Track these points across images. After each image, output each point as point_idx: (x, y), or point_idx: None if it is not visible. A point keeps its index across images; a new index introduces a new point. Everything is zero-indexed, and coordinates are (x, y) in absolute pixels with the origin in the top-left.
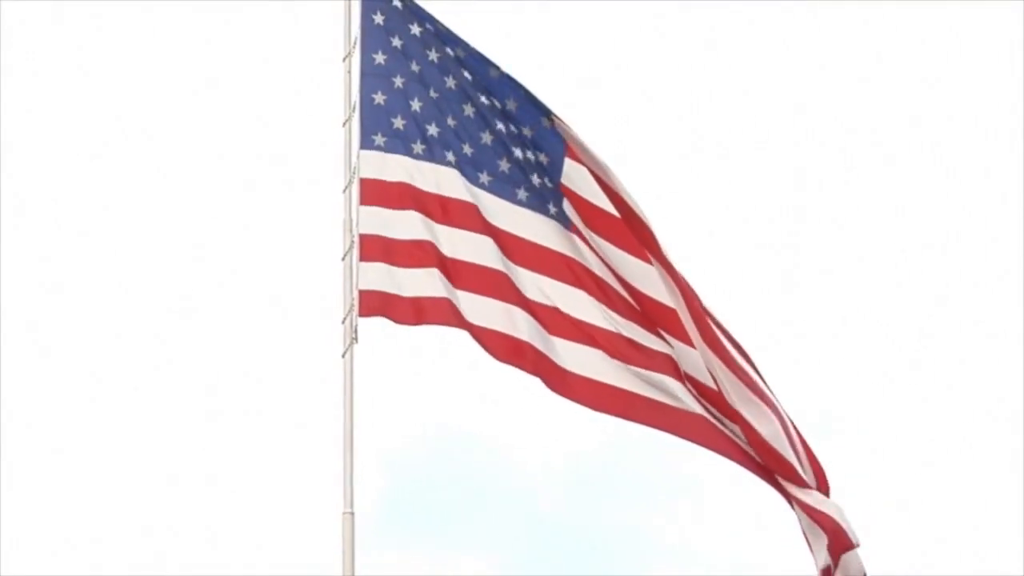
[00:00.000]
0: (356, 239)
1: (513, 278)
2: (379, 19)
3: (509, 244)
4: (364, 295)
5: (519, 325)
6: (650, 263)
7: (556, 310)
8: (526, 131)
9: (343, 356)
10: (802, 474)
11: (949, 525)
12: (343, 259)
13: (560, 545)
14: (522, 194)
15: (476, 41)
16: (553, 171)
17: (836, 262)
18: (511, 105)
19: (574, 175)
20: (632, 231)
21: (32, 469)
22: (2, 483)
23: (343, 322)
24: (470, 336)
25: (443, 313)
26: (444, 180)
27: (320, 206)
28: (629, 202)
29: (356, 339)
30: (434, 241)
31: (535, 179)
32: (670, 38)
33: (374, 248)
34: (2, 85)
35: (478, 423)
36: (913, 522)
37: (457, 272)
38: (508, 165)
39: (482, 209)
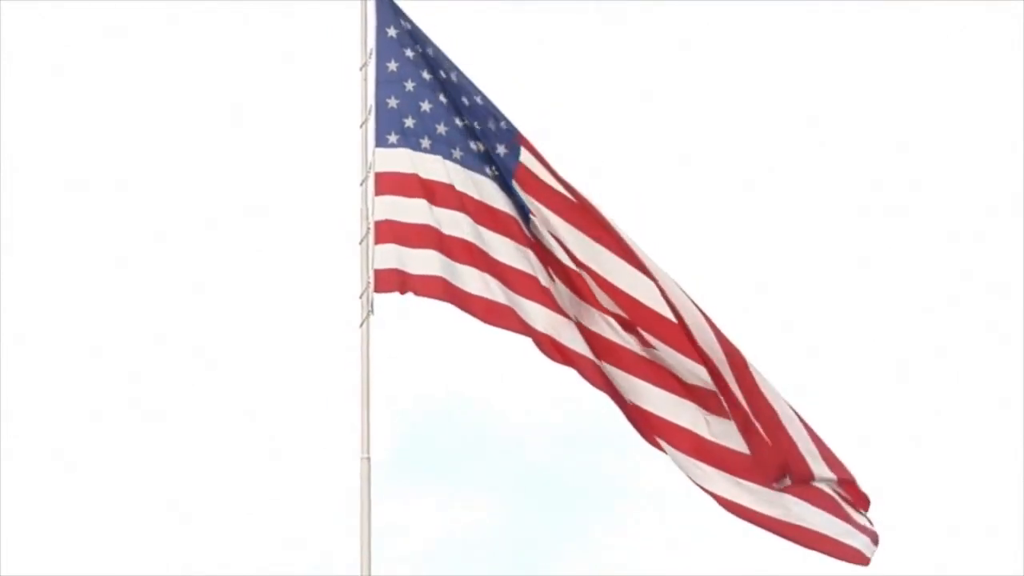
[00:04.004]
0: (371, 226)
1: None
2: (392, 33)
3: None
4: (379, 273)
5: (493, 289)
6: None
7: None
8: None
9: (360, 326)
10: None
11: (949, 525)
12: (360, 243)
13: (544, 488)
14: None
15: (474, 41)
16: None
17: (834, 262)
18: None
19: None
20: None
21: (40, 458)
22: (2, 483)
23: (360, 297)
24: (467, 310)
25: (440, 289)
26: (453, 172)
27: (340, 197)
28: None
29: (372, 311)
30: (436, 225)
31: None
32: (669, 38)
33: (387, 232)
34: (4, 89)
35: (476, 384)
36: (913, 522)
37: (469, 252)
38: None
39: (489, 198)
